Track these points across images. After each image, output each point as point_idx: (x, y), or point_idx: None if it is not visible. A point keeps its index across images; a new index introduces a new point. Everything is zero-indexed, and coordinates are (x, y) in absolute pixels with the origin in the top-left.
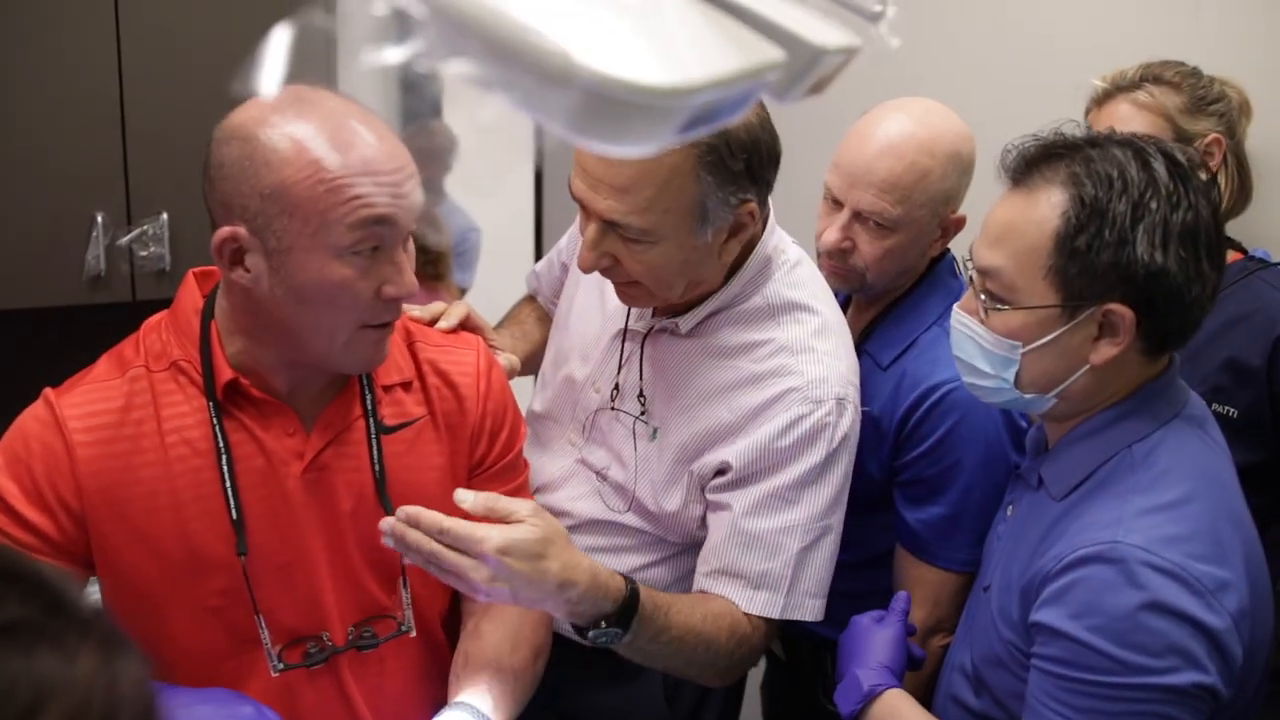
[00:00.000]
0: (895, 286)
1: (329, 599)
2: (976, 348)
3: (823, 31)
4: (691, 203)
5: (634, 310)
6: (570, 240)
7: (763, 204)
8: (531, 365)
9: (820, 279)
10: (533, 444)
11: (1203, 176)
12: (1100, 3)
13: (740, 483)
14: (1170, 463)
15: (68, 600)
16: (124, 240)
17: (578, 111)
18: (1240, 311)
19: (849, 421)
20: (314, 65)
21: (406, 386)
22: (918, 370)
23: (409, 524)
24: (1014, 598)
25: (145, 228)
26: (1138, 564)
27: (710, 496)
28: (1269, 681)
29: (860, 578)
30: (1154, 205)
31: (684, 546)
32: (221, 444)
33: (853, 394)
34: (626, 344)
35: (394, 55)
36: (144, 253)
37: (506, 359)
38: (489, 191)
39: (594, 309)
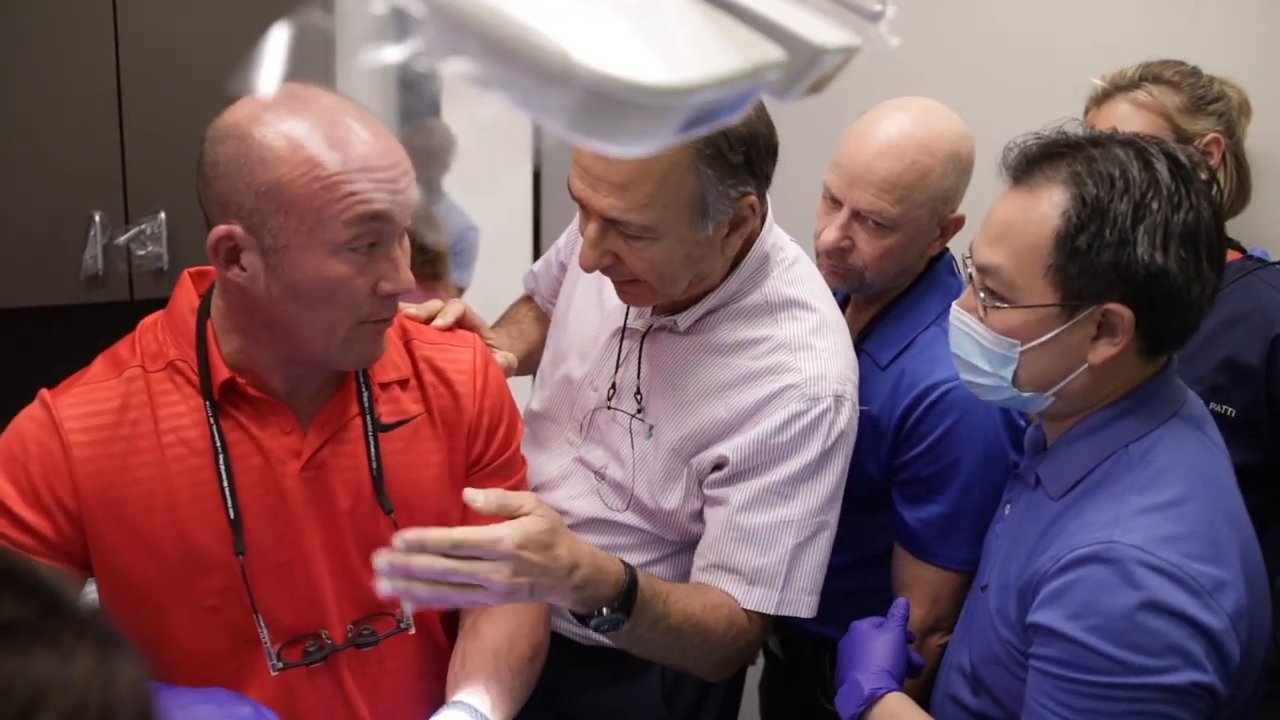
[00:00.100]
0: (894, 286)
1: (328, 597)
2: (975, 345)
3: (822, 31)
4: (691, 197)
5: (633, 308)
6: (569, 239)
7: (762, 197)
8: (528, 365)
9: (818, 276)
10: (530, 443)
11: (1203, 177)
12: (1100, 2)
13: (737, 477)
14: (1167, 462)
15: (64, 600)
16: (122, 239)
17: (577, 111)
18: (1238, 311)
19: (846, 418)
20: (312, 64)
21: (403, 384)
22: (916, 369)
23: (413, 549)
24: (1012, 597)
25: (143, 227)
26: (1134, 564)
27: (707, 492)
28: (1267, 681)
29: (858, 577)
30: (1155, 206)
31: (682, 545)
32: (218, 443)
33: (851, 390)
34: (625, 342)
35: (393, 54)
36: (141, 252)
37: (503, 356)
38: (487, 190)
39: (592, 307)
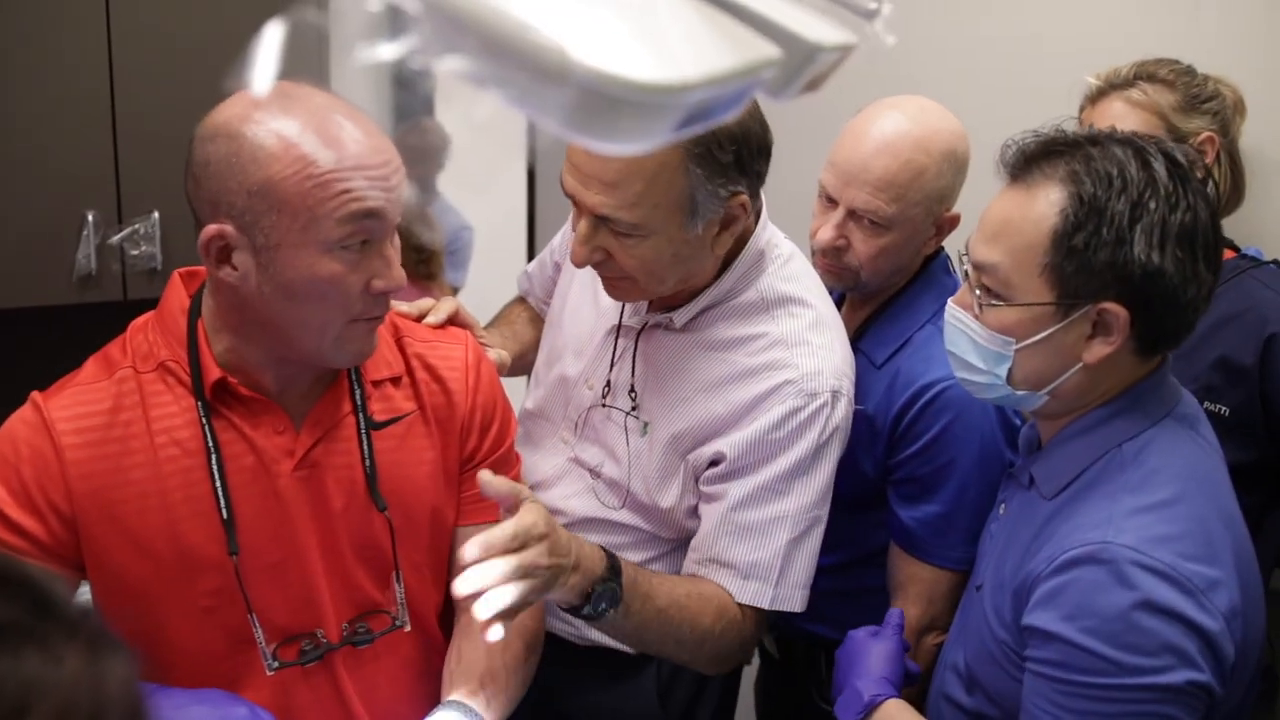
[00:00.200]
0: (889, 285)
1: (322, 596)
2: (970, 343)
3: (818, 29)
4: (681, 196)
5: (628, 306)
6: (563, 239)
7: (754, 196)
8: (522, 366)
9: (813, 273)
10: (525, 442)
11: (1198, 175)
12: (1098, 1)
13: (734, 474)
14: (1161, 462)
15: (54, 601)
16: (115, 239)
17: (573, 108)
18: (1232, 310)
19: (842, 414)
20: (306, 62)
21: (395, 381)
22: (912, 368)
23: (483, 554)
24: (1006, 598)
25: (136, 227)
26: (1128, 564)
27: (703, 488)
28: (1261, 680)
29: (854, 576)
30: (1153, 205)
31: (678, 542)
32: (211, 443)
33: (847, 386)
34: (620, 340)
35: (387, 52)
36: (135, 252)
37: (496, 354)
38: (482, 189)
39: (588, 306)
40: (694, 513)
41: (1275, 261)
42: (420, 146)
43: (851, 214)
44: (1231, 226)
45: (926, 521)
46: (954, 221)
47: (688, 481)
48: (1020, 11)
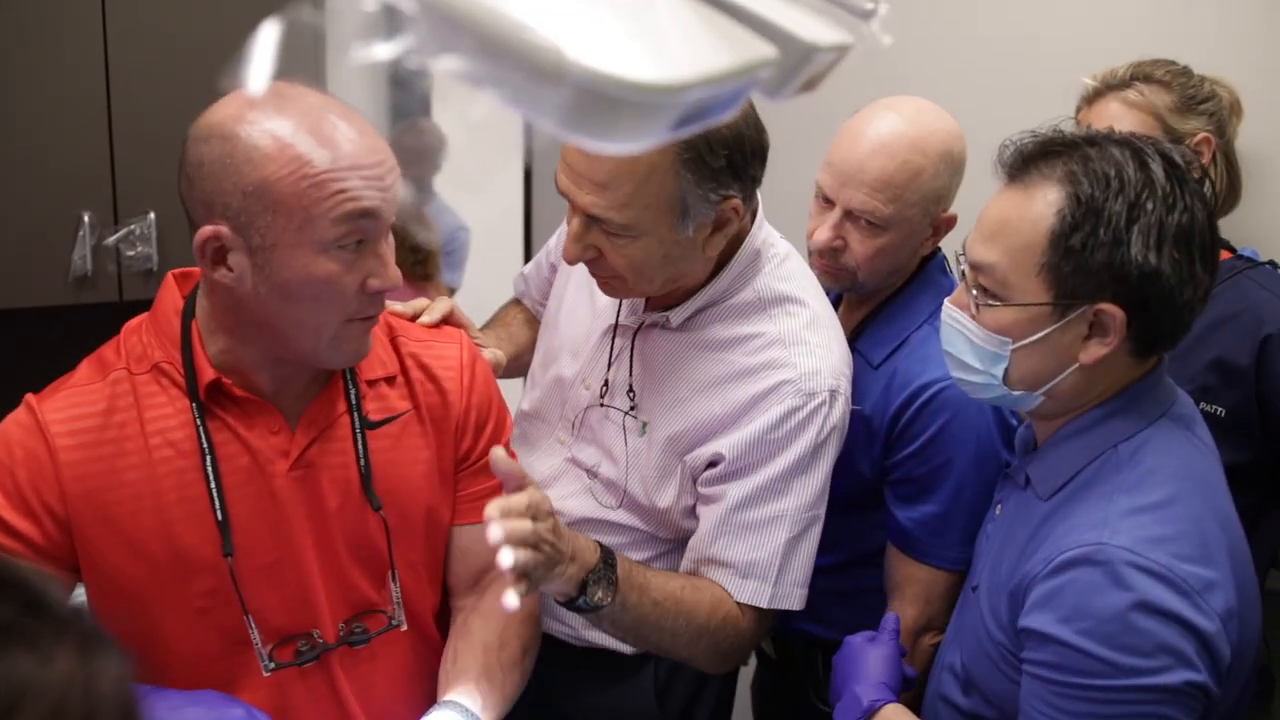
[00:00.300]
0: (886, 285)
1: (318, 596)
2: (966, 343)
3: (815, 29)
4: (671, 199)
5: (624, 306)
6: (559, 240)
7: (748, 199)
8: (517, 368)
9: (809, 272)
10: (522, 444)
11: (1195, 176)
12: (1095, 2)
13: (732, 475)
14: (1156, 463)
15: (46, 601)
16: (111, 240)
17: (569, 108)
18: (1228, 311)
19: (839, 413)
20: (302, 62)
21: (390, 381)
22: (909, 369)
23: (506, 515)
24: (1002, 599)
25: (132, 227)
26: (1124, 565)
27: (701, 490)
28: (1256, 680)
29: (851, 576)
30: (1150, 206)
31: (675, 542)
32: (205, 445)
33: (845, 385)
34: (617, 340)
35: (383, 51)
36: (131, 252)
37: (491, 353)
38: (478, 189)
39: (584, 306)
40: (691, 513)
41: (1271, 262)
42: (417, 147)
43: (848, 214)
44: (1228, 227)
45: (923, 522)
46: (950, 222)
47: (685, 482)
48: (1017, 12)
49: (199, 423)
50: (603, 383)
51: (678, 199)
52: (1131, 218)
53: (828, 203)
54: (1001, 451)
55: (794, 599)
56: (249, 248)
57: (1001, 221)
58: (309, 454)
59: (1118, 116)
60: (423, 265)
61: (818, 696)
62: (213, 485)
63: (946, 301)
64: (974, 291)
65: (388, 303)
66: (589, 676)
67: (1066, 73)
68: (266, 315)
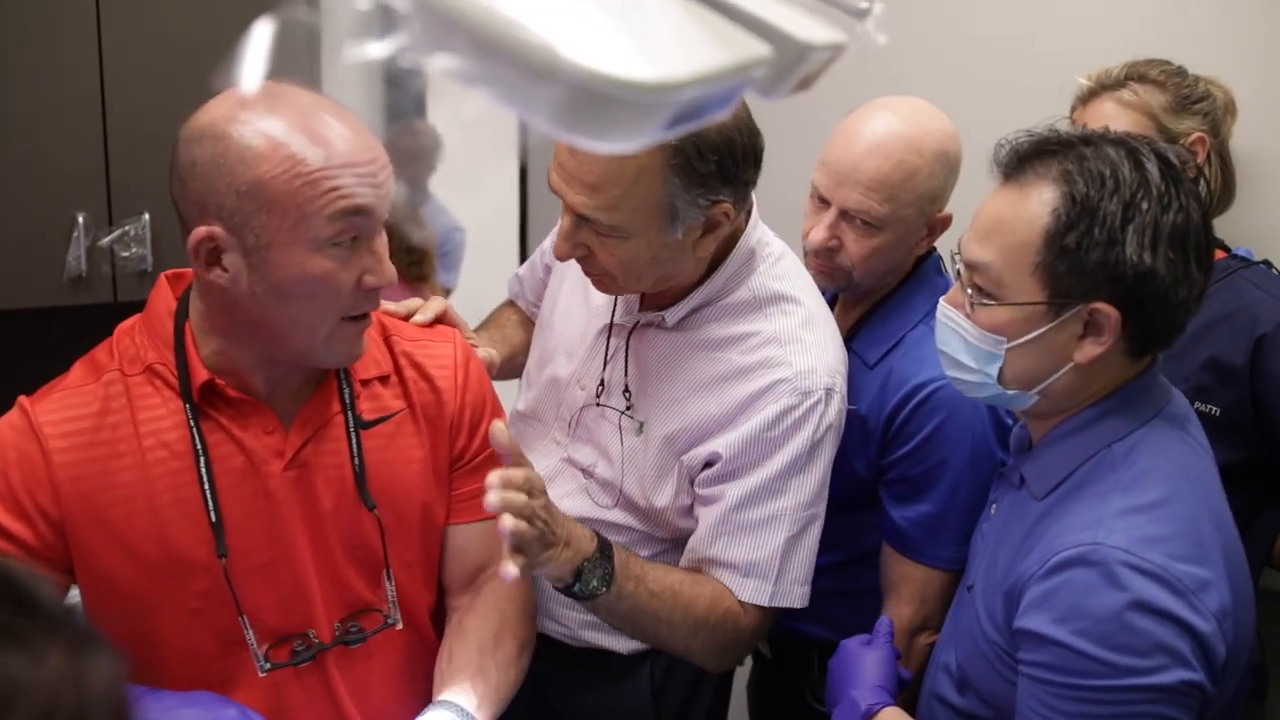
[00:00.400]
0: (882, 285)
1: (314, 596)
2: (961, 341)
3: (809, 28)
4: (660, 203)
5: (619, 305)
6: (553, 241)
7: (740, 202)
8: (511, 369)
9: (804, 271)
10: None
11: (1190, 176)
12: (1090, 2)
13: (730, 475)
14: (1150, 463)
15: (36, 600)
16: (105, 241)
17: (562, 107)
18: (1223, 311)
19: (835, 411)
20: (297, 61)
21: (384, 380)
22: (904, 368)
23: (507, 486)
24: (998, 599)
25: (127, 228)
26: (1119, 565)
27: (699, 490)
28: (1251, 678)
29: (847, 576)
30: (1145, 206)
31: (673, 542)
32: (199, 446)
33: (840, 383)
34: (612, 339)
35: (378, 50)
36: (125, 253)
37: (485, 352)
38: (473, 187)
39: (579, 306)
40: (688, 512)
41: (1266, 262)
42: (412, 149)
43: (844, 214)
44: (1222, 227)
45: (919, 521)
46: (946, 222)
47: (683, 481)
48: (1012, 11)
49: (192, 424)
50: (598, 382)
51: (666, 203)
52: (1126, 217)
53: (823, 202)
54: (997, 451)
55: (795, 596)
56: (244, 247)
57: (997, 220)
58: (303, 454)
59: (1112, 116)
60: (418, 266)
61: (813, 697)
62: (206, 486)
63: (942, 300)
64: (969, 290)
65: (381, 302)
66: (585, 677)
67: (1061, 72)
68: (262, 315)
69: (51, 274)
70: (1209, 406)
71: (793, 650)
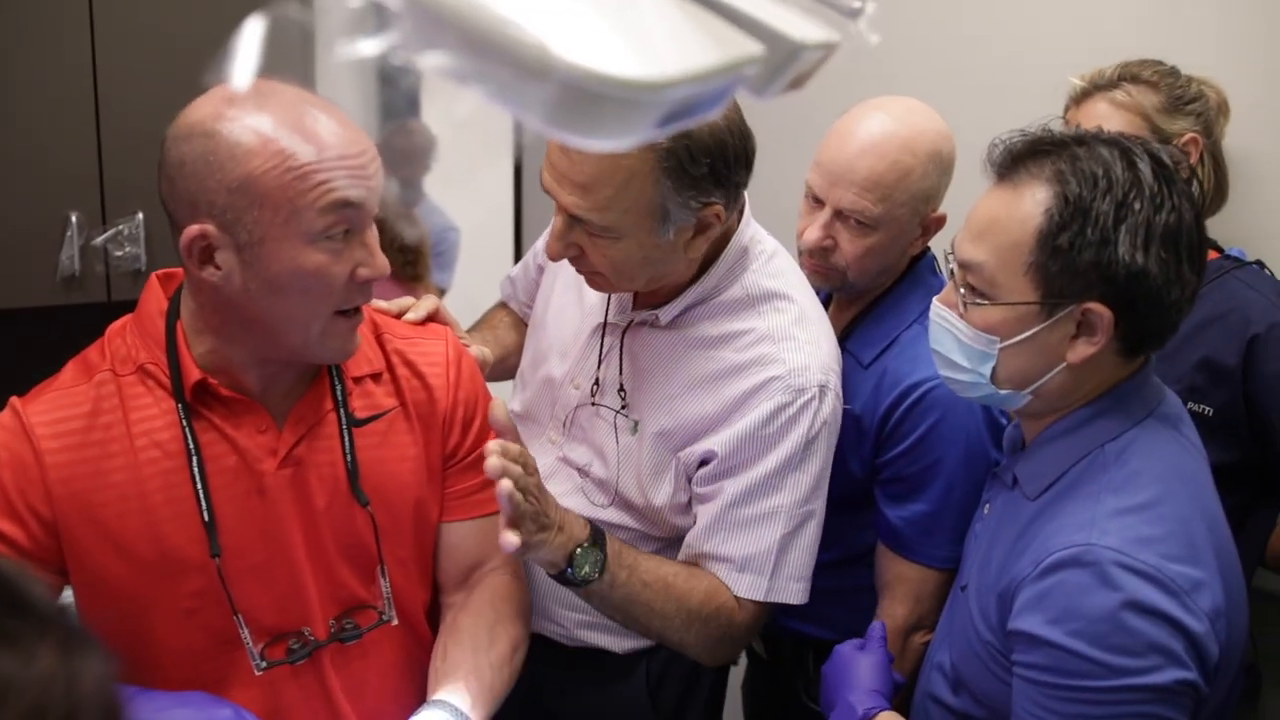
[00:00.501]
0: (876, 285)
1: (309, 594)
2: (954, 341)
3: (801, 27)
4: (651, 205)
5: (613, 304)
6: (545, 242)
7: (731, 204)
8: (503, 370)
9: (797, 269)
10: None
11: (1183, 176)
12: (1084, 2)
13: (726, 473)
14: (1143, 463)
15: (26, 599)
16: (99, 240)
17: (554, 105)
18: (1215, 311)
19: (830, 408)
20: (290, 59)
21: (376, 378)
22: (899, 368)
23: (505, 457)
24: (991, 600)
25: (120, 228)
26: (1112, 566)
27: (696, 489)
28: (1244, 677)
29: (843, 575)
30: (1138, 206)
31: (669, 540)
32: (192, 445)
33: (834, 380)
34: (606, 338)
35: (370, 48)
36: (119, 253)
37: (478, 350)
38: (467, 186)
39: (572, 305)
40: (684, 510)
41: (1258, 262)
42: (406, 148)
43: (838, 214)
44: (1215, 227)
45: (913, 520)
46: (940, 222)
47: (680, 478)
48: (1005, 11)
49: (185, 423)
50: (593, 381)
51: (657, 205)
52: (1119, 217)
53: (817, 202)
54: (991, 451)
55: (792, 593)
56: (236, 244)
57: (990, 220)
58: (297, 452)
59: (1105, 117)
60: (413, 265)
61: (808, 696)
62: (199, 486)
63: (935, 300)
64: (962, 290)
65: (373, 300)
66: (581, 676)
67: (1054, 72)
68: (256, 312)
69: (45, 273)
70: (1202, 407)
71: (788, 649)
